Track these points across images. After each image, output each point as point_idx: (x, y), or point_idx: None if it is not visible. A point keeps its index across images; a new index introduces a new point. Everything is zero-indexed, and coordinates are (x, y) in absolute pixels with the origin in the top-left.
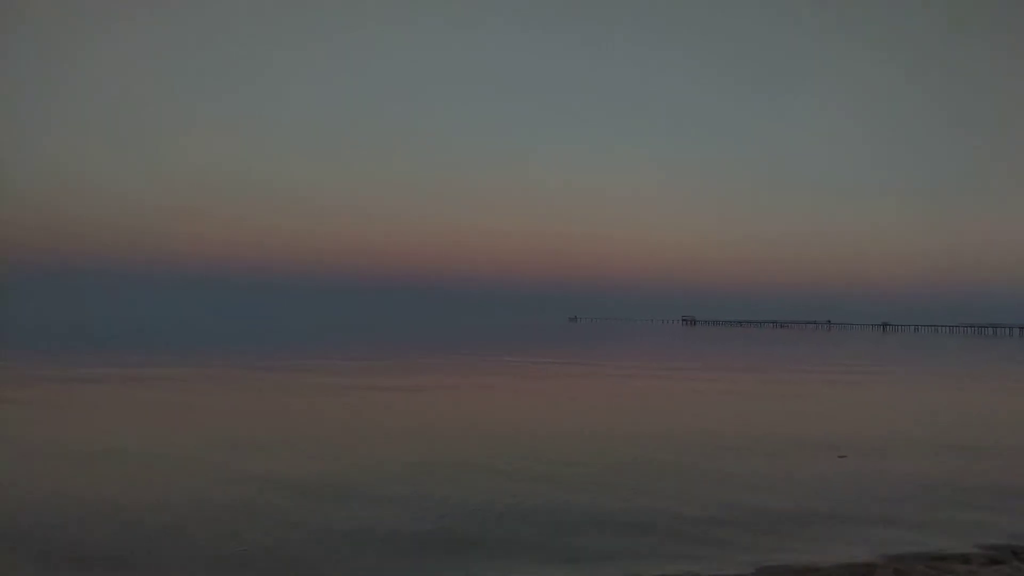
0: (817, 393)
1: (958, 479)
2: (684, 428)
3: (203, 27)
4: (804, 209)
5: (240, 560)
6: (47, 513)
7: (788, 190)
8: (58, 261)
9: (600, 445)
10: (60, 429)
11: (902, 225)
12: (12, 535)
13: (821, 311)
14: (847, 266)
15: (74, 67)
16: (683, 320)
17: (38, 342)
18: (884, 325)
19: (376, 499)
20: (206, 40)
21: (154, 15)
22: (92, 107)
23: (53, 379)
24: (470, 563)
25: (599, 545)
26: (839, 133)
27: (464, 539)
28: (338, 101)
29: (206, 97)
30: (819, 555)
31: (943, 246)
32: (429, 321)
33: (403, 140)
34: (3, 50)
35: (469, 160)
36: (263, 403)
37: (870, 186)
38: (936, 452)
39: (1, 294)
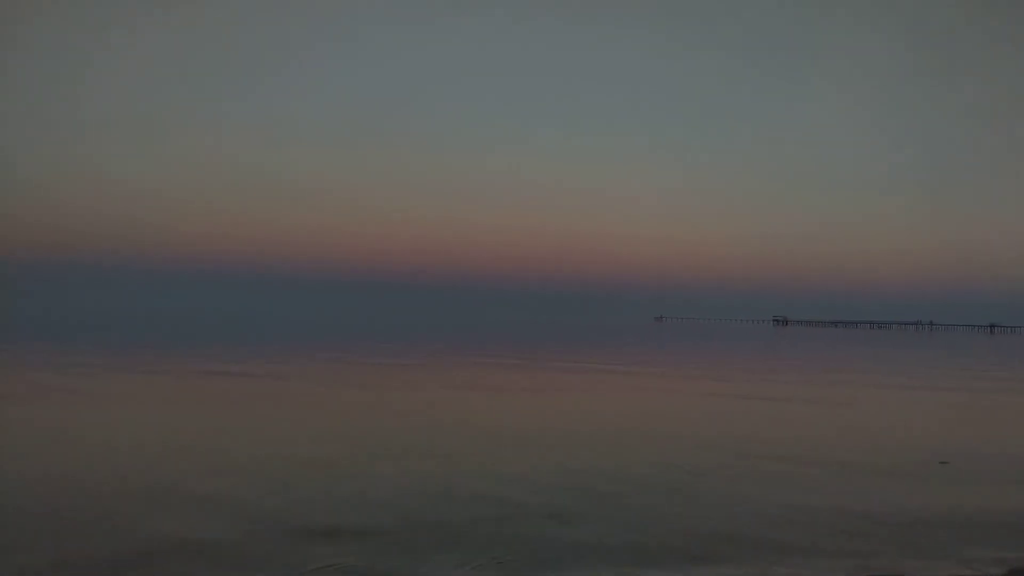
0: None
1: None
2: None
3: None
4: (899, 206)
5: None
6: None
7: (871, 186)
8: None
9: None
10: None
11: (1015, 222)
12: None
13: (920, 311)
14: (947, 263)
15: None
16: (774, 320)
17: (141, 344)
18: (991, 326)
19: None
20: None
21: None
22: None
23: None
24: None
25: None
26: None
27: None
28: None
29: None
30: None
31: None
32: (520, 319)
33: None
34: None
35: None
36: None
37: (966, 184)
38: None
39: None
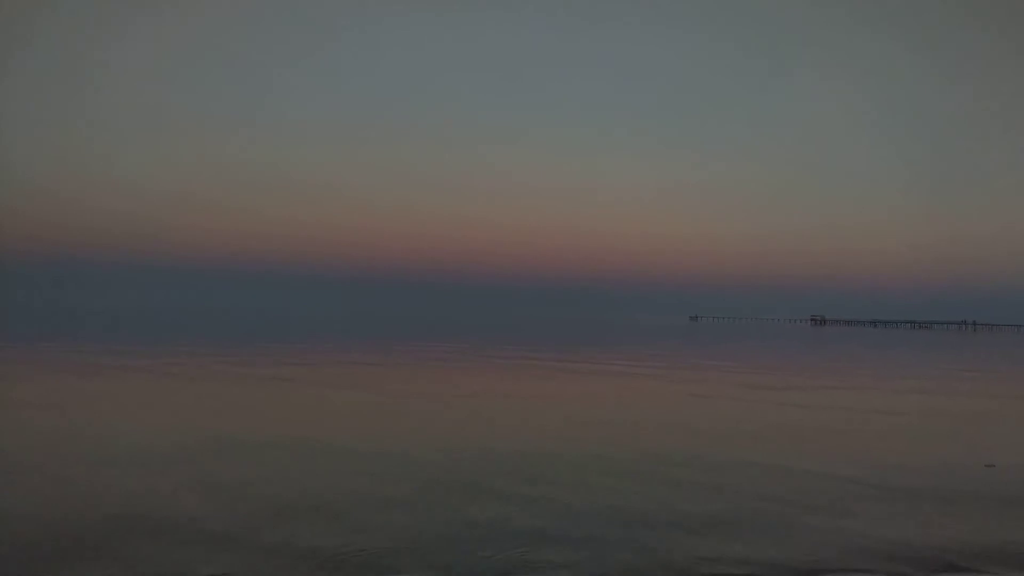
0: None
1: None
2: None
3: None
4: (945, 202)
5: None
6: None
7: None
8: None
9: None
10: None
11: None
12: None
13: (961, 310)
14: (986, 261)
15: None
16: (812, 319)
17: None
18: None
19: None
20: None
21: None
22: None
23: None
24: None
25: None
26: None
27: None
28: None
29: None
30: None
31: None
32: (550, 317)
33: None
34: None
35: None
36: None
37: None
38: None
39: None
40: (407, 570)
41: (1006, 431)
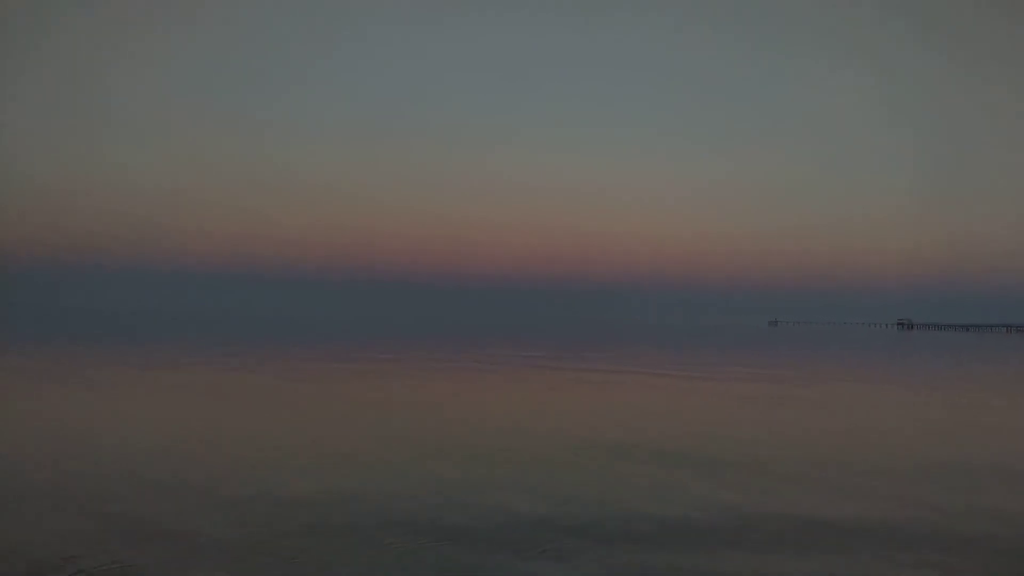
0: None
1: None
2: None
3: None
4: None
5: None
6: None
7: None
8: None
9: None
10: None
11: None
12: None
13: None
14: None
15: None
16: (898, 324)
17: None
18: None
19: None
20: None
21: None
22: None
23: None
24: None
25: None
26: None
27: None
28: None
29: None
30: None
31: None
32: (622, 320)
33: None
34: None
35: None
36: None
37: None
38: None
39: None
40: None
41: None
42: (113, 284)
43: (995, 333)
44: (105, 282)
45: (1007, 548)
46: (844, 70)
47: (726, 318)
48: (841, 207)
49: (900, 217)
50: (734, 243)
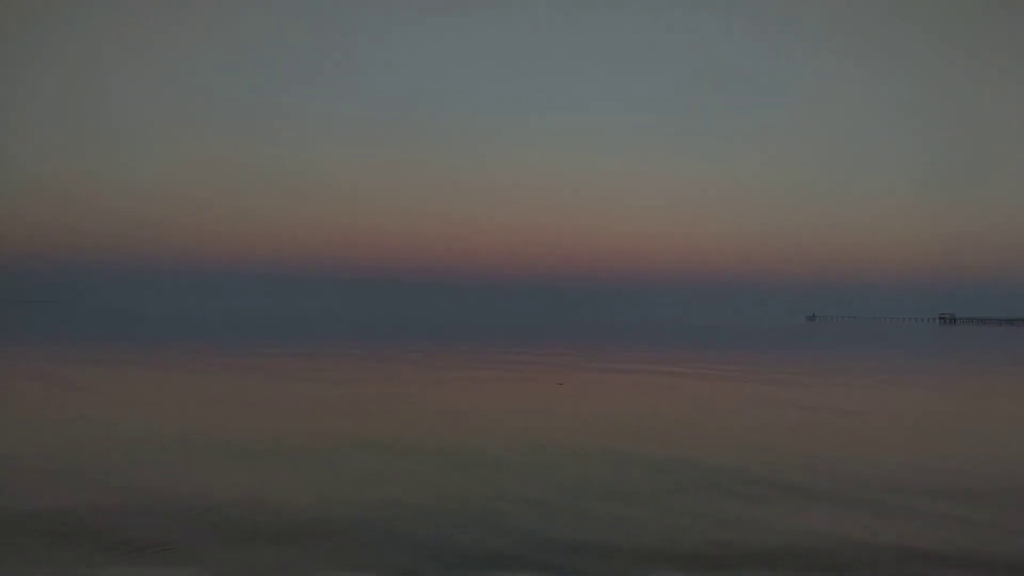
0: None
1: None
2: None
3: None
4: None
5: None
6: None
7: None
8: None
9: None
10: None
11: None
12: None
13: None
14: None
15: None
16: (940, 318)
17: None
18: None
19: None
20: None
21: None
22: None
23: None
24: None
25: None
26: None
27: None
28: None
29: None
30: None
31: None
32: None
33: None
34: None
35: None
36: None
37: None
38: None
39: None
40: None
41: None
42: (122, 285)
43: None
44: (116, 282)
45: None
46: (866, 67)
47: (759, 314)
48: (871, 203)
49: (929, 211)
50: (760, 239)
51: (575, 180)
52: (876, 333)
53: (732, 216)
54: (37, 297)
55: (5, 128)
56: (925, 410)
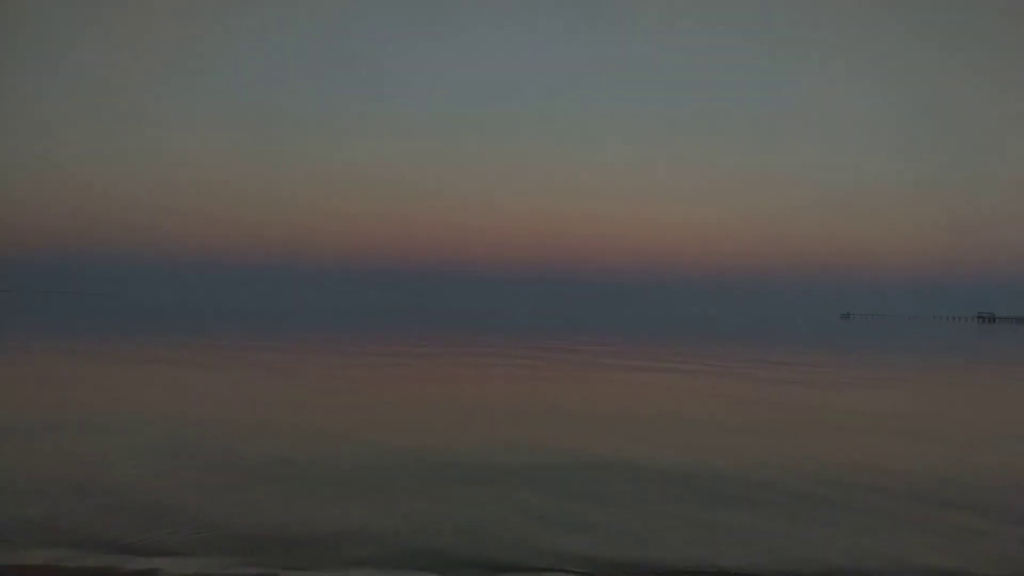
0: None
1: None
2: None
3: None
4: None
5: None
6: None
7: None
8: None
9: None
10: None
11: None
12: None
13: None
14: None
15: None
16: (979, 317)
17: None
18: None
19: None
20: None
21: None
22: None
23: None
24: None
25: None
26: None
27: None
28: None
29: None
30: None
31: None
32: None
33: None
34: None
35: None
36: None
37: None
38: None
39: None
40: None
41: None
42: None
43: None
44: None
45: None
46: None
47: (792, 310)
48: (912, 204)
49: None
50: (793, 238)
51: (613, 175)
52: (915, 332)
53: (770, 214)
54: (63, 289)
55: (42, 127)
56: (981, 416)
